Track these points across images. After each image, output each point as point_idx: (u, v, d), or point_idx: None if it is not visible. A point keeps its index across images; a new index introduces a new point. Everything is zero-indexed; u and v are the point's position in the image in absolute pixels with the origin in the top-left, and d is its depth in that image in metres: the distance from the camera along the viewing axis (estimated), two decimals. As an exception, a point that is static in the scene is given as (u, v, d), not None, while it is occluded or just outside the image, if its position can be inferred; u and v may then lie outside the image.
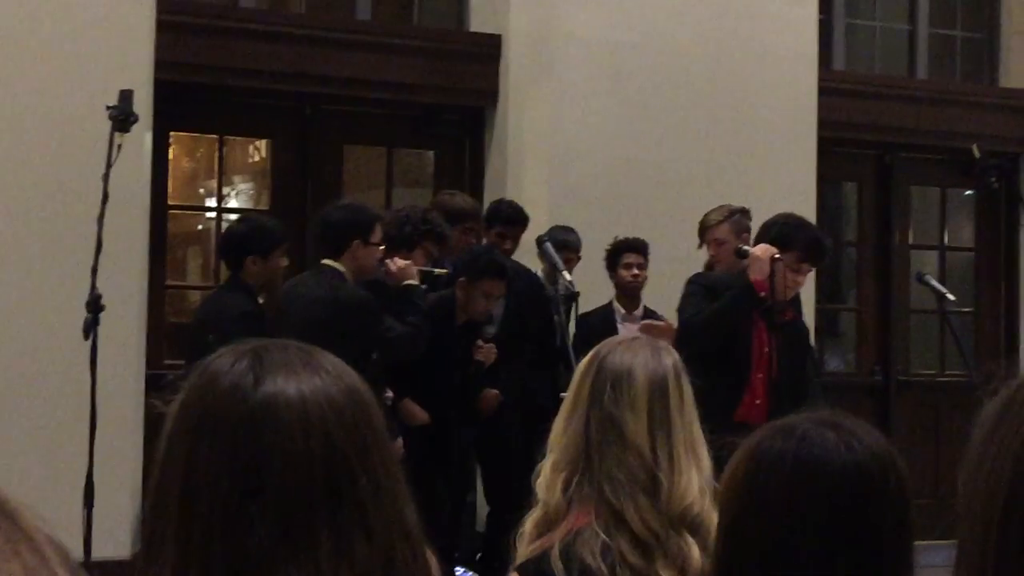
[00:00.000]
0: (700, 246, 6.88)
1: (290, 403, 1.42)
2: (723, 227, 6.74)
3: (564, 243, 7.14)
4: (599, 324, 7.01)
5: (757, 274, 5.71)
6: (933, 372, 10.11)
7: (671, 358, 2.69)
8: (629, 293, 7.40)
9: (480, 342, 6.63)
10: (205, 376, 1.46)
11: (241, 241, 6.24)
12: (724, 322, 5.78)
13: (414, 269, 6.14)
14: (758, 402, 5.74)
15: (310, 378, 1.45)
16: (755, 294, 5.70)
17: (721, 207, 6.86)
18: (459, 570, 7.16)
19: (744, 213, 6.75)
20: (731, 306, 5.77)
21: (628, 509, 2.55)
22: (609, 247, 7.46)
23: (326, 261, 5.99)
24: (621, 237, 7.50)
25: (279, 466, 1.39)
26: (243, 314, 5.92)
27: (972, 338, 10.00)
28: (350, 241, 5.93)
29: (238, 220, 7.04)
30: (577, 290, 6.92)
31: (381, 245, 6.01)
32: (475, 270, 6.51)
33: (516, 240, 7.20)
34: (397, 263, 6.10)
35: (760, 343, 5.83)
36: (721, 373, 5.38)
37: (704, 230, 6.83)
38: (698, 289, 5.99)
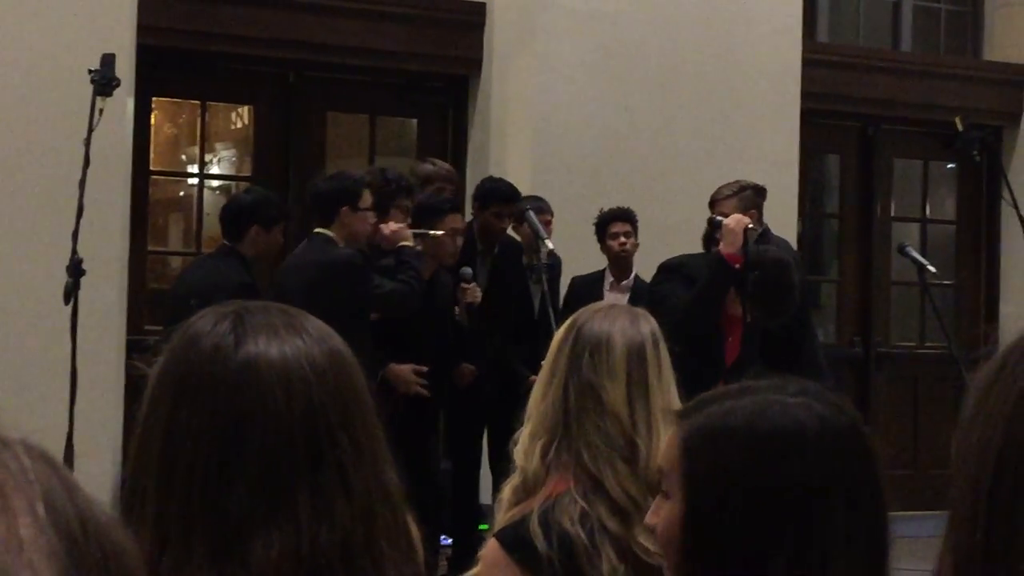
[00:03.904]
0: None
1: (271, 364, 1.43)
2: (730, 202, 6.57)
3: (537, 209, 7.11)
4: (585, 289, 7.02)
5: (729, 247, 5.65)
6: (913, 344, 10.14)
7: (649, 325, 2.69)
8: (620, 263, 7.37)
9: (463, 284, 6.63)
10: (187, 337, 1.47)
11: (249, 209, 6.23)
12: (705, 303, 5.74)
13: (408, 232, 6.20)
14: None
15: (292, 340, 1.45)
16: (729, 268, 5.64)
17: (733, 182, 6.73)
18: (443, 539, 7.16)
19: (757, 190, 6.56)
20: (708, 285, 5.73)
21: (606, 475, 2.56)
22: (596, 219, 7.42)
23: (318, 229, 6.06)
24: (607, 208, 7.45)
25: (259, 427, 1.40)
26: (241, 285, 5.88)
27: (952, 311, 10.04)
28: (338, 209, 6.01)
29: (244, 190, 7.10)
30: (559, 257, 6.93)
31: (370, 210, 6.07)
32: (435, 211, 6.51)
33: (511, 217, 7.17)
34: (391, 226, 6.17)
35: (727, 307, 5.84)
36: (701, 351, 5.36)
37: (712, 203, 6.76)
38: (667, 276, 5.98)
